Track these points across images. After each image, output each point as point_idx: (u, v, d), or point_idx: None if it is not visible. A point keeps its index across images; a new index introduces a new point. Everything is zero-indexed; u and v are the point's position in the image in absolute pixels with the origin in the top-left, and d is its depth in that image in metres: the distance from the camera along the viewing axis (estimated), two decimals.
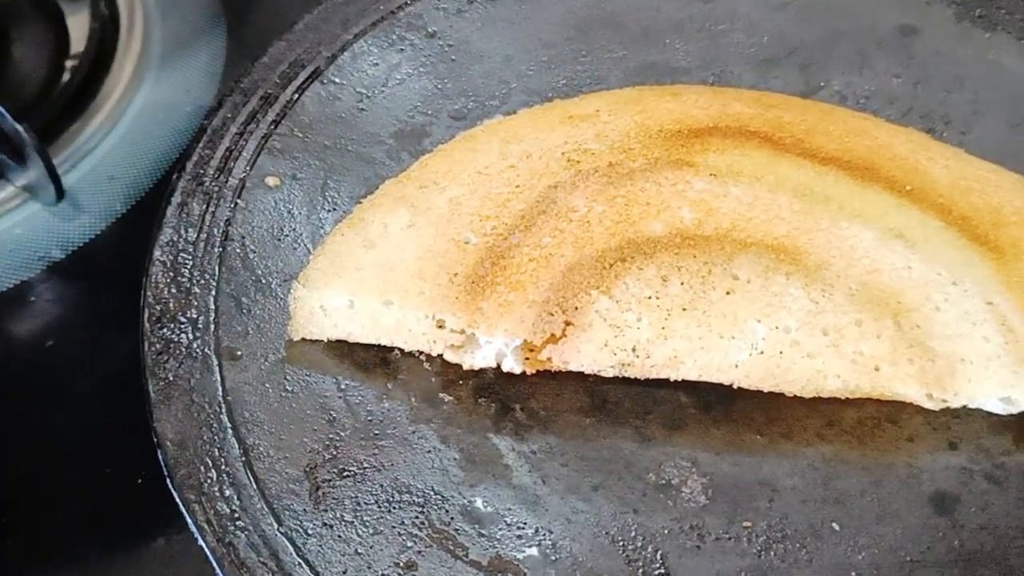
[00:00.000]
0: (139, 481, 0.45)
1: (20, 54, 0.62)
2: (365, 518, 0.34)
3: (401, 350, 0.38)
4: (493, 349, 0.37)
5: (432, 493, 0.35)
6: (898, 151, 0.43)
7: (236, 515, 0.34)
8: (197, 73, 0.62)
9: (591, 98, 0.45)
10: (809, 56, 0.48)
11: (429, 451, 0.36)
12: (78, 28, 0.62)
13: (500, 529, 0.35)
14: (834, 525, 0.35)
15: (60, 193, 0.52)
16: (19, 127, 0.51)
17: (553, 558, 0.34)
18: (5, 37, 0.61)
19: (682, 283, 0.38)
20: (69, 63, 0.61)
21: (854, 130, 0.44)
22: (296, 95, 0.45)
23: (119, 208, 0.55)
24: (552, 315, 0.37)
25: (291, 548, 0.33)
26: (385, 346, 0.38)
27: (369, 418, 0.37)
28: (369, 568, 0.33)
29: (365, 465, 0.36)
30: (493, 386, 0.38)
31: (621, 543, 0.35)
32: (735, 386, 0.37)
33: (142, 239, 0.52)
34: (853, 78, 0.47)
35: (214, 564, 0.33)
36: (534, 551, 0.34)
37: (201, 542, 0.33)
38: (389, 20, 0.48)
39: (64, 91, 0.59)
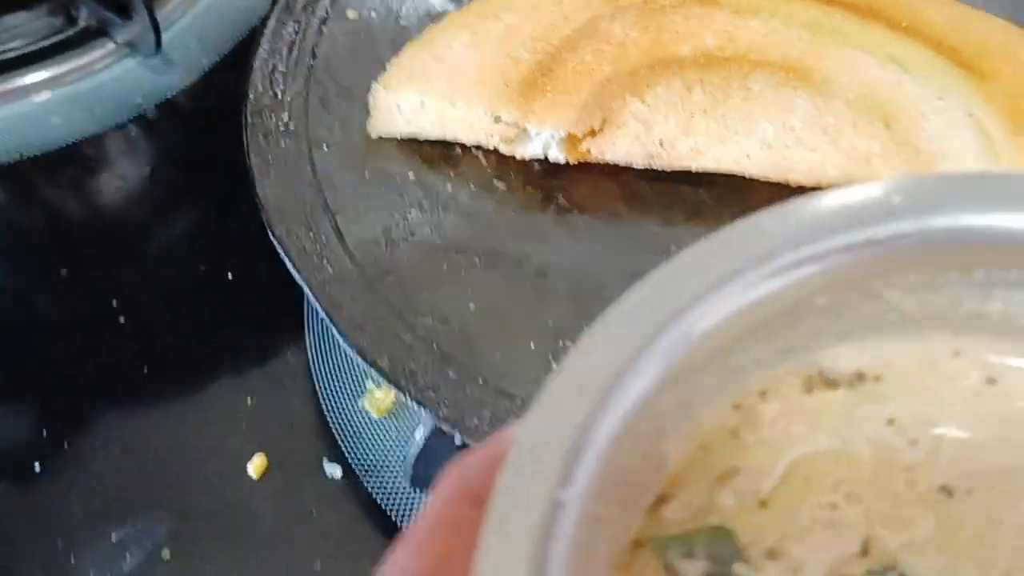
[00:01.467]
0: (230, 277, 0.53)
1: None
2: (429, 266, 0.41)
3: (462, 146, 0.45)
4: (541, 141, 0.44)
5: (483, 253, 0.42)
6: None
7: (325, 260, 0.41)
8: None
9: None
10: None
11: (483, 224, 0.43)
12: None
13: None
14: None
15: (159, 43, 0.59)
16: None
17: None
18: None
19: (704, 92, 0.44)
20: None
21: None
22: None
23: (206, 64, 0.62)
24: (592, 113, 0.44)
25: (371, 285, 0.40)
26: (448, 143, 0.45)
27: (435, 197, 0.44)
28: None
29: (428, 230, 0.43)
30: (539, 178, 0.45)
31: None
32: (747, 176, 0.44)
33: (226, 90, 0.59)
34: None
35: (307, 291, 0.40)
36: None
37: (296, 275, 0.40)
38: None
39: None
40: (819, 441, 0.20)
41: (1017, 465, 0.20)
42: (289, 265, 0.40)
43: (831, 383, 0.20)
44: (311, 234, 0.41)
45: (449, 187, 0.44)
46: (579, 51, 0.46)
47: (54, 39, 0.62)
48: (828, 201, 0.20)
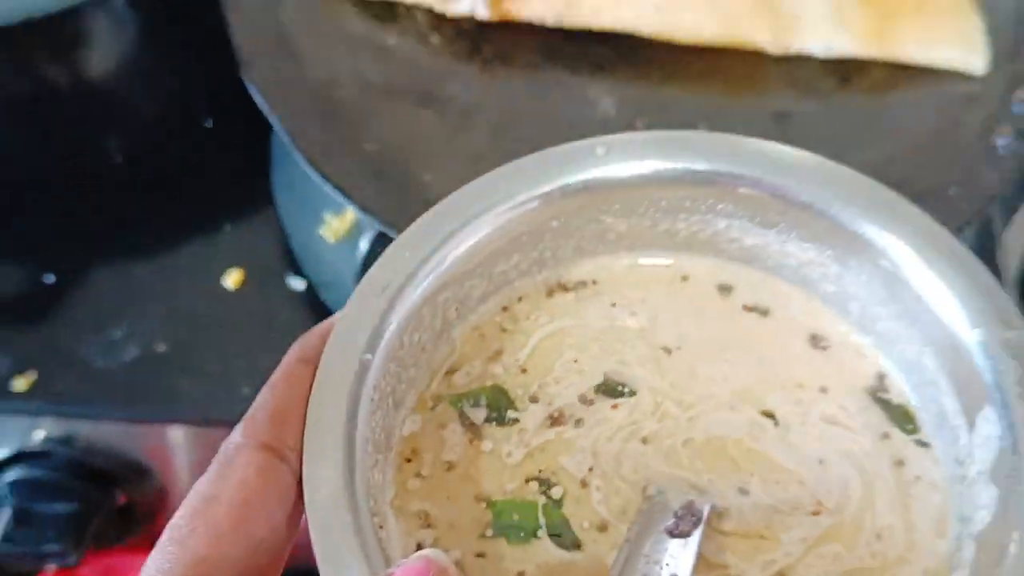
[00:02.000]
0: (207, 125, 0.61)
1: None
2: (377, 105, 0.50)
3: (404, 5, 0.53)
4: (468, 1, 0.52)
5: (419, 94, 0.51)
6: None
7: (288, 96, 0.49)
8: None
9: None
10: None
11: (419, 70, 0.52)
12: None
13: None
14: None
15: None
16: None
17: None
18: None
19: None
20: None
21: None
22: None
23: None
24: None
25: (324, 110, 0.49)
26: (392, 3, 0.53)
27: (379, 47, 0.52)
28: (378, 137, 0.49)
29: (375, 77, 0.51)
30: (467, 33, 0.53)
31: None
32: (641, 35, 0.52)
33: None
34: None
35: (274, 124, 0.48)
36: None
37: (264, 109, 0.49)
38: None
39: None
40: (559, 323, 0.31)
41: (710, 334, 0.32)
42: (259, 102, 0.49)
43: (565, 288, 0.31)
44: (277, 77, 0.50)
45: (392, 40, 0.53)
46: None
47: None
48: (558, 152, 0.31)
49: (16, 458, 0.54)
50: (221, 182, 0.59)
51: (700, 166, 0.31)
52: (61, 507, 0.54)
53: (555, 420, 0.30)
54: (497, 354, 0.31)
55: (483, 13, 0.52)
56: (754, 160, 0.31)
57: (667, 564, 0.26)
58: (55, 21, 0.64)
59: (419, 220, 0.30)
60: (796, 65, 0.52)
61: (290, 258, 0.56)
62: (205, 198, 0.58)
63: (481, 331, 0.32)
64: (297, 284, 0.56)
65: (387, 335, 0.28)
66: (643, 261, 0.33)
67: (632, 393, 0.31)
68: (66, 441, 0.54)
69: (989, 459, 0.27)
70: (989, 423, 0.28)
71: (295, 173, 0.56)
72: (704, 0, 0.51)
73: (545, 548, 0.28)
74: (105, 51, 0.66)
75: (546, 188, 0.30)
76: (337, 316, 0.28)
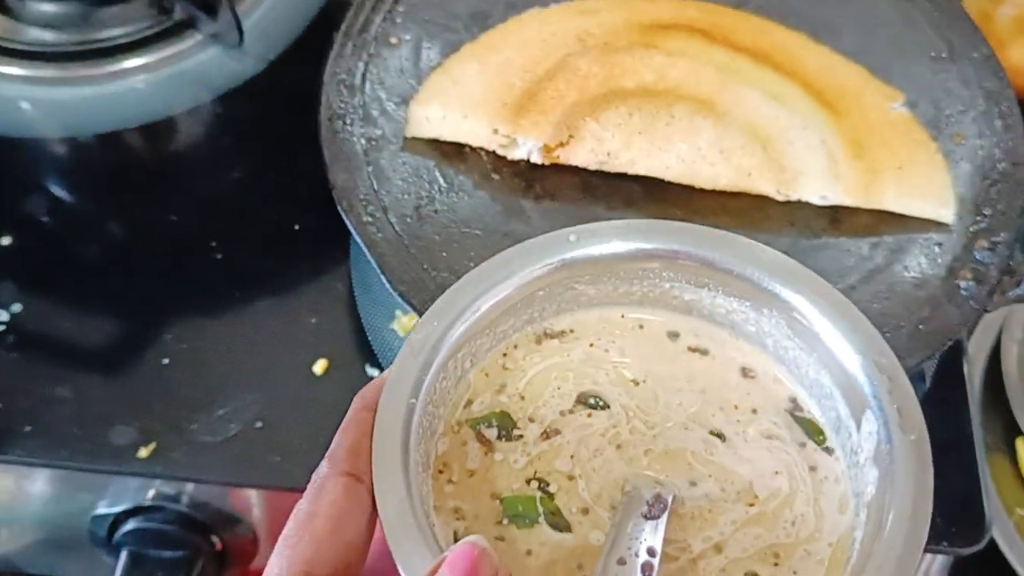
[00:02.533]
0: (296, 227, 0.72)
1: None
2: (445, 236, 0.61)
3: (471, 146, 0.64)
4: (526, 148, 0.63)
5: (482, 226, 0.61)
6: (787, 46, 0.68)
7: (376, 227, 0.60)
8: None
9: (598, 0, 0.70)
10: None
11: (484, 204, 0.62)
12: None
13: None
14: None
15: (241, 38, 0.77)
16: None
17: None
18: None
19: (641, 117, 0.63)
20: None
21: (762, 31, 0.68)
22: None
23: (272, 55, 0.81)
24: (561, 130, 0.63)
25: (406, 246, 0.60)
26: (461, 144, 0.64)
27: (450, 183, 0.63)
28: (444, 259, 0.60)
29: (445, 207, 0.62)
30: (523, 173, 0.64)
31: None
32: (667, 180, 0.63)
33: (288, 76, 0.78)
34: None
35: (365, 250, 0.59)
36: None
37: (356, 238, 0.59)
38: None
39: None
40: (549, 361, 0.44)
41: (666, 370, 0.44)
42: (352, 231, 0.60)
43: (552, 336, 0.44)
44: (367, 210, 0.61)
45: (460, 177, 0.63)
46: (555, 81, 0.65)
47: (151, 30, 0.80)
48: (541, 242, 0.44)
49: (133, 511, 0.65)
50: (308, 280, 0.70)
51: (648, 245, 0.44)
52: (169, 553, 0.64)
53: (547, 435, 0.42)
54: (502, 387, 0.43)
55: (537, 159, 0.63)
56: (688, 239, 0.44)
57: (644, 540, 0.38)
58: (157, 128, 0.76)
59: (442, 297, 0.42)
60: (795, 208, 0.63)
61: (368, 350, 0.67)
62: (295, 294, 0.69)
63: (487, 372, 0.44)
64: (373, 372, 0.66)
65: (425, 385, 0.40)
66: (609, 314, 0.45)
67: (605, 406, 0.43)
68: (175, 498, 0.65)
69: (871, 448, 0.39)
70: (869, 422, 0.40)
71: (372, 279, 0.67)
72: (719, 155, 0.62)
73: (545, 531, 0.40)
74: (203, 156, 0.77)
75: (534, 267, 0.43)
76: (387, 373, 0.40)
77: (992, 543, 0.74)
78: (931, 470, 0.38)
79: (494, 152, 0.64)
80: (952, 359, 0.68)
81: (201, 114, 0.78)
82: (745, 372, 0.44)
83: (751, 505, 0.41)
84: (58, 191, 0.75)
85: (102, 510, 0.65)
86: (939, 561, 0.64)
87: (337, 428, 0.64)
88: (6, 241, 0.70)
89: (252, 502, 0.67)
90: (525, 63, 0.65)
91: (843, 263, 0.61)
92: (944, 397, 0.66)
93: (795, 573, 0.40)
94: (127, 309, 0.68)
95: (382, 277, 0.59)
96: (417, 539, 0.36)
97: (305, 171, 0.65)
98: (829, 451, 0.42)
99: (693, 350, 0.45)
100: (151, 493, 0.65)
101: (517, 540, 0.39)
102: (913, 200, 0.62)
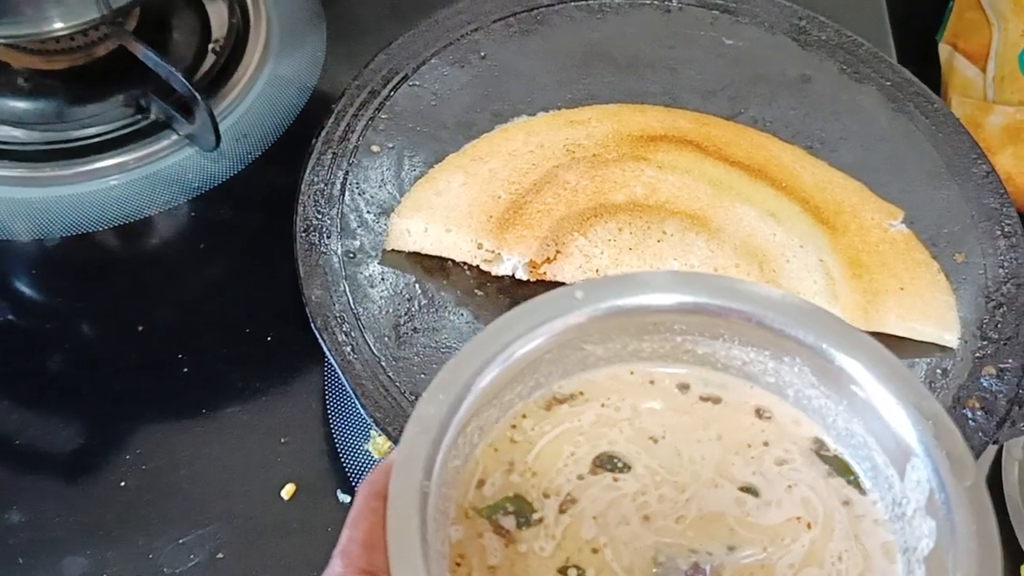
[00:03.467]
0: (269, 339, 0.69)
1: (177, 39, 0.84)
2: (425, 357, 0.58)
3: (454, 261, 0.61)
4: (511, 264, 0.60)
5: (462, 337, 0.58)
6: (783, 161, 0.66)
7: (351, 348, 0.57)
8: (305, 59, 0.85)
9: (586, 110, 0.68)
10: (736, 91, 0.70)
11: (467, 322, 0.59)
12: (218, 19, 0.85)
13: None
14: None
15: (218, 140, 0.75)
16: (191, 88, 0.73)
17: None
18: (166, 26, 0.84)
19: (631, 233, 0.61)
20: (211, 47, 0.84)
21: (757, 144, 0.66)
22: (392, 92, 0.67)
23: (249, 157, 0.78)
24: (548, 246, 0.60)
25: (383, 368, 0.56)
26: (444, 258, 0.61)
27: (431, 300, 0.60)
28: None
29: (427, 328, 0.59)
30: (508, 289, 0.61)
31: None
32: None
33: (265, 180, 0.75)
34: (764, 108, 0.70)
35: (340, 373, 0.56)
36: None
37: (331, 358, 0.56)
38: (455, 44, 0.70)
39: (211, 68, 0.82)
40: (560, 428, 0.40)
41: (681, 422, 0.40)
42: (327, 352, 0.56)
43: (560, 400, 0.40)
44: (343, 327, 0.57)
45: (442, 293, 0.60)
46: (542, 193, 0.62)
47: (126, 129, 0.78)
48: (545, 300, 0.39)
49: None
50: (279, 397, 0.66)
51: (657, 301, 0.40)
52: None
53: (564, 507, 0.38)
54: (511, 465, 0.39)
55: (522, 275, 0.60)
56: (698, 290, 0.40)
57: None
58: (136, 228, 0.73)
59: (445, 367, 0.38)
60: None
61: (340, 473, 0.63)
62: (265, 412, 0.65)
63: (495, 446, 0.40)
64: (344, 498, 0.62)
65: (437, 464, 0.36)
66: (617, 372, 0.42)
67: (627, 467, 0.39)
68: None
69: (923, 498, 0.36)
70: (917, 470, 0.36)
71: (346, 399, 0.64)
72: (711, 271, 0.59)
73: None
74: (175, 260, 0.74)
75: (541, 329, 0.39)
76: (394, 454, 0.36)
77: None
78: (993, 517, 0.34)
79: (478, 267, 0.61)
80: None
81: (175, 215, 0.75)
82: (759, 413, 0.41)
83: (796, 551, 0.37)
84: (21, 293, 0.72)
85: None
86: None
87: (302, 560, 0.60)
88: None
89: None
90: (511, 175, 0.63)
91: None
92: None
93: None
94: (86, 424, 0.64)
95: (357, 403, 0.55)
96: None
97: (281, 279, 0.62)
98: (862, 490, 0.39)
99: (705, 399, 0.41)
100: None
101: None
102: (916, 323, 0.59)
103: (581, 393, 0.41)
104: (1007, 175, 0.92)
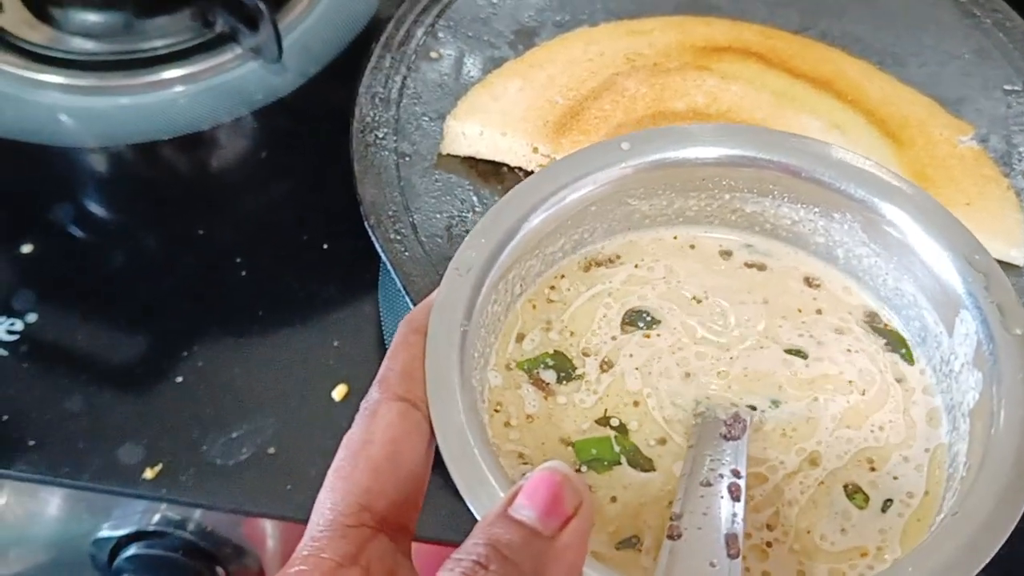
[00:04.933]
0: (325, 247, 0.69)
1: None
2: None
3: (508, 166, 0.61)
4: None
5: None
6: (850, 74, 0.64)
7: (404, 247, 0.57)
8: None
9: (649, 20, 0.67)
10: (805, 4, 0.68)
11: None
12: None
13: None
14: None
15: (280, 53, 0.75)
16: (258, 1, 0.74)
17: None
18: None
19: None
20: None
21: (823, 58, 0.65)
22: (453, 1, 0.67)
23: (312, 71, 0.79)
24: None
25: (434, 267, 0.56)
26: (498, 163, 0.61)
27: (485, 203, 0.60)
28: None
29: None
30: None
31: None
32: None
33: (326, 94, 0.76)
34: (833, 22, 0.67)
35: (390, 269, 0.56)
36: None
37: (382, 255, 0.56)
38: None
39: None
40: (593, 290, 0.39)
41: (723, 284, 0.40)
42: (378, 248, 0.56)
43: (599, 263, 0.39)
44: (395, 227, 0.57)
45: (496, 197, 0.60)
46: (600, 100, 0.61)
47: (192, 42, 0.79)
48: (591, 151, 0.38)
49: (136, 536, 0.62)
50: (333, 301, 0.66)
51: (707, 152, 0.39)
52: None
53: (604, 367, 0.38)
54: (549, 323, 0.39)
55: None
56: (746, 142, 0.39)
57: (726, 461, 0.34)
58: (191, 141, 0.74)
59: (488, 213, 0.38)
60: None
61: None
62: (319, 315, 0.66)
63: (533, 303, 0.40)
64: None
65: (476, 307, 0.36)
66: (662, 235, 0.41)
67: (656, 322, 0.39)
68: (181, 525, 0.61)
69: (970, 351, 0.35)
70: (965, 323, 0.35)
71: (399, 302, 0.64)
72: None
73: (627, 473, 0.35)
74: (235, 170, 0.75)
75: (587, 178, 0.38)
76: (435, 295, 0.36)
77: None
78: None
79: (533, 171, 0.60)
80: None
81: (237, 127, 0.76)
82: (809, 281, 0.40)
83: (840, 405, 0.37)
84: (85, 201, 0.73)
85: (105, 533, 0.62)
86: None
87: None
88: (27, 249, 0.68)
89: (261, 533, 0.63)
90: (570, 82, 0.62)
91: None
92: None
93: (895, 479, 0.36)
94: (144, 324, 0.65)
95: (407, 298, 0.55)
96: (482, 466, 0.32)
97: (339, 190, 0.62)
98: (913, 363, 0.38)
99: (750, 266, 0.41)
100: (156, 518, 0.61)
101: (598, 488, 0.35)
102: (981, 238, 0.57)
103: (619, 256, 0.41)
104: None
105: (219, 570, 0.62)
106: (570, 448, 0.36)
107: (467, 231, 0.58)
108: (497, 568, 0.28)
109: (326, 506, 0.32)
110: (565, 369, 0.38)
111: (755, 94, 0.61)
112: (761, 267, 0.41)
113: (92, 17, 0.79)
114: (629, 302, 0.40)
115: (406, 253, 0.56)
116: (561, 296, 0.40)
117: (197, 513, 0.61)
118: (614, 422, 0.37)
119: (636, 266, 0.41)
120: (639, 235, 0.41)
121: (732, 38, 0.65)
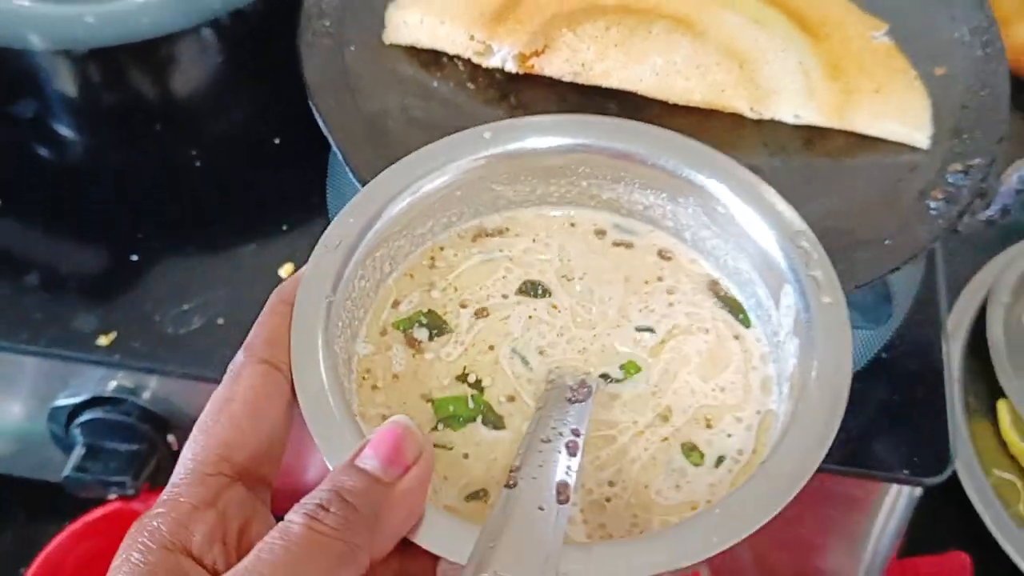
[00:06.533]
0: (277, 141, 0.72)
1: None
2: (415, 136, 0.61)
3: (447, 55, 0.64)
4: (501, 56, 0.63)
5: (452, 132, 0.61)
6: None
7: (345, 122, 0.60)
8: None
9: None
10: None
11: (457, 112, 0.62)
12: None
13: None
14: None
15: None
16: None
17: None
18: None
19: (618, 31, 0.63)
20: None
21: None
22: None
23: None
24: (537, 39, 0.63)
25: (374, 144, 0.60)
26: (438, 52, 0.64)
27: (424, 89, 0.63)
28: None
29: (418, 114, 0.62)
30: (498, 83, 0.64)
31: None
32: (641, 94, 0.63)
33: (284, 3, 0.78)
34: None
35: (332, 143, 0.59)
36: None
37: (325, 130, 0.60)
38: None
39: None
40: (489, 255, 0.43)
41: (597, 264, 0.44)
42: (321, 124, 0.60)
43: (489, 234, 0.43)
44: (338, 106, 0.61)
45: (435, 83, 0.63)
46: None
47: None
48: (455, 139, 0.43)
49: (92, 402, 0.65)
50: (284, 190, 0.70)
51: (564, 141, 0.43)
52: (125, 446, 0.64)
53: (479, 314, 0.42)
54: (431, 285, 0.43)
55: (512, 67, 0.63)
56: (602, 132, 0.43)
57: (568, 421, 0.37)
58: (151, 45, 0.77)
59: (359, 194, 0.41)
60: (769, 127, 0.62)
61: None
62: (269, 202, 0.69)
63: (411, 274, 0.43)
64: None
65: (343, 281, 0.39)
66: (542, 211, 0.45)
67: (546, 293, 0.43)
68: (134, 391, 0.65)
69: (791, 321, 0.39)
70: (788, 296, 0.40)
71: (347, 187, 0.67)
72: (695, 70, 0.62)
73: (480, 431, 0.39)
74: (193, 73, 0.78)
75: (450, 166, 0.42)
76: (304, 269, 0.39)
77: (962, 494, 0.72)
78: (849, 330, 0.38)
79: (470, 60, 0.64)
80: (927, 296, 0.67)
81: (196, 36, 0.79)
82: (662, 254, 0.45)
83: (688, 365, 0.41)
84: (50, 99, 0.76)
85: (61, 401, 0.65)
86: (904, 497, 0.62)
87: None
88: None
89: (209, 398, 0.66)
90: None
91: (814, 183, 0.60)
92: (918, 334, 0.65)
93: (729, 436, 0.39)
94: (103, 208, 0.69)
95: (346, 168, 0.59)
96: (339, 425, 0.35)
97: (292, 92, 0.65)
98: (750, 326, 0.42)
99: (618, 244, 0.45)
100: (111, 385, 0.64)
101: (454, 444, 0.39)
102: (888, 123, 0.61)
103: (508, 228, 0.45)
104: (1021, 46, 0.92)
105: (170, 437, 0.65)
106: (429, 405, 0.39)
107: (405, 112, 0.62)
108: (337, 510, 0.31)
109: (187, 456, 0.35)
110: (437, 326, 0.42)
111: None
112: (628, 245, 0.45)
113: None
114: (530, 273, 0.43)
115: (347, 127, 0.60)
116: (447, 262, 0.43)
117: (152, 381, 0.64)
118: (471, 379, 0.40)
119: (534, 240, 0.44)
120: (517, 212, 0.45)
121: None
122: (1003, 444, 0.76)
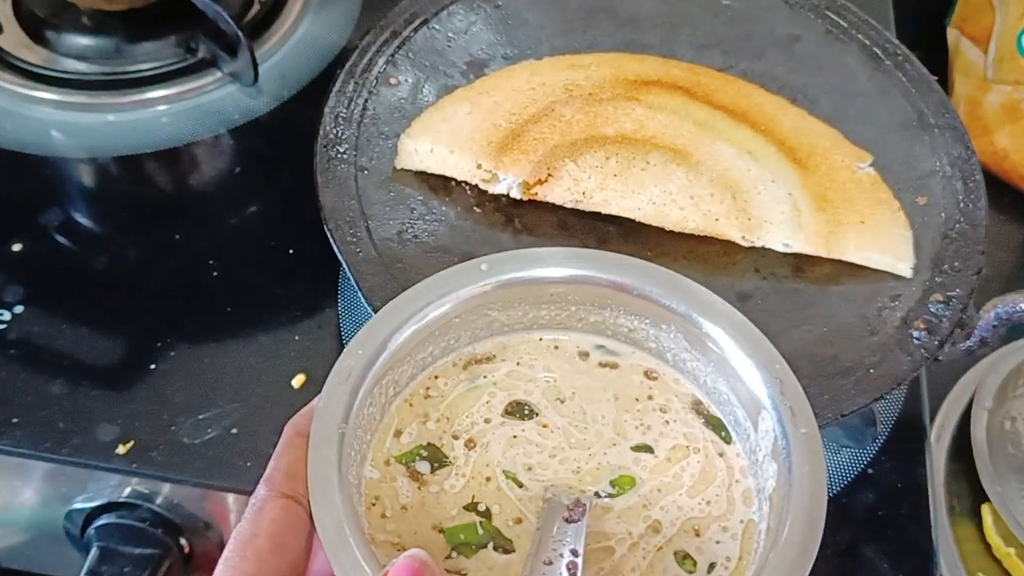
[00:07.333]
0: (291, 252, 0.76)
1: None
2: (425, 259, 0.64)
3: (456, 180, 0.68)
4: (507, 183, 0.66)
5: (461, 254, 0.65)
6: (765, 108, 0.71)
7: (359, 248, 0.64)
8: (341, 15, 0.92)
9: (588, 56, 0.74)
10: (729, 46, 0.76)
11: (465, 236, 0.66)
12: None
13: None
14: None
15: (256, 78, 0.82)
16: (236, 28, 0.81)
17: None
18: None
19: (617, 161, 0.67)
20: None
21: (743, 93, 0.72)
22: (412, 33, 0.74)
23: (285, 95, 0.86)
24: (541, 169, 0.66)
25: (386, 267, 0.63)
26: (447, 178, 0.68)
27: (434, 212, 0.67)
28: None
29: (427, 235, 0.66)
30: (504, 207, 0.67)
31: None
32: (639, 221, 0.66)
33: (297, 116, 0.83)
34: (753, 63, 0.75)
35: (346, 267, 0.63)
36: None
37: (340, 256, 0.63)
38: None
39: (255, 15, 0.90)
40: (476, 382, 0.46)
41: (585, 383, 0.47)
42: (335, 249, 0.63)
43: (478, 361, 0.46)
44: (351, 231, 0.64)
45: (444, 208, 0.67)
46: (539, 124, 0.69)
47: (175, 65, 0.86)
48: (454, 271, 0.46)
49: (107, 507, 0.67)
50: (296, 300, 0.73)
51: (551, 273, 0.46)
52: (139, 550, 0.67)
53: (468, 445, 0.44)
54: (426, 416, 0.45)
55: (516, 194, 0.66)
56: (586, 264, 0.47)
57: (567, 541, 0.40)
58: (179, 155, 0.80)
59: (366, 326, 0.44)
60: (760, 254, 0.65)
61: None
62: (283, 312, 0.72)
63: (409, 401, 0.46)
64: None
65: (353, 411, 0.42)
66: (528, 337, 0.48)
67: (535, 414, 0.45)
68: (149, 497, 0.67)
69: (769, 445, 0.42)
70: (765, 421, 0.43)
71: (356, 300, 0.70)
72: (690, 201, 0.65)
73: (491, 555, 0.41)
74: (213, 179, 0.82)
75: (451, 295, 0.45)
76: (316, 400, 0.42)
77: None
78: (823, 461, 0.41)
79: (477, 187, 0.67)
80: (911, 411, 0.69)
81: (215, 145, 0.83)
82: (648, 374, 0.48)
83: (678, 482, 0.44)
84: (73, 208, 0.80)
85: (79, 504, 0.67)
86: None
87: None
88: (17, 247, 0.75)
89: (224, 509, 0.69)
90: (513, 107, 0.69)
91: (802, 308, 0.63)
92: (902, 449, 0.68)
93: (717, 543, 0.42)
94: (123, 317, 0.72)
95: (360, 294, 0.62)
96: (356, 554, 0.37)
97: (306, 203, 0.69)
98: (731, 443, 0.46)
99: (604, 365, 0.48)
100: (127, 491, 0.67)
101: (468, 571, 0.41)
102: (873, 253, 0.64)
103: (495, 355, 0.48)
104: (1004, 152, 0.97)
105: (183, 541, 0.68)
106: (441, 535, 0.41)
107: (416, 237, 0.65)
108: None
109: None
110: (438, 459, 0.44)
111: (678, 123, 0.69)
112: (613, 366, 0.48)
113: (84, 41, 0.87)
114: (515, 394, 0.46)
115: (360, 254, 0.63)
116: (439, 392, 0.46)
117: (165, 487, 0.67)
118: (480, 507, 0.43)
119: (518, 363, 0.47)
120: (507, 338, 0.48)
121: (662, 73, 0.72)
122: (987, 546, 0.79)
